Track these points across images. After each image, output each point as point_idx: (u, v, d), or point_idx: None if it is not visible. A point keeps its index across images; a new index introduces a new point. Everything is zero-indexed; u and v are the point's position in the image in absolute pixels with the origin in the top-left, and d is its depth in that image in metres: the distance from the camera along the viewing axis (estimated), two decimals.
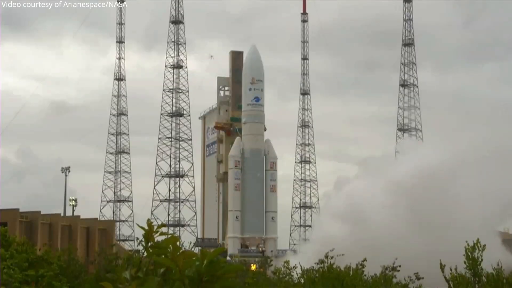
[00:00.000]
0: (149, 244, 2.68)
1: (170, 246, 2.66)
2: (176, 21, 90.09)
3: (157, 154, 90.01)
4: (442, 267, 16.10)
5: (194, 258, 2.74)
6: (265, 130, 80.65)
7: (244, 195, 78.54)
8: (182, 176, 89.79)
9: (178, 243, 2.71)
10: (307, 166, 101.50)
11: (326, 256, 27.02)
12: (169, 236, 2.74)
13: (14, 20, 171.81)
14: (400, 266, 26.83)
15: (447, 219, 43.80)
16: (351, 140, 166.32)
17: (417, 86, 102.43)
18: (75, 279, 31.00)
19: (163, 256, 2.66)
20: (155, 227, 2.71)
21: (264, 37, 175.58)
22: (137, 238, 33.71)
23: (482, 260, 16.45)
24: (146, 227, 2.71)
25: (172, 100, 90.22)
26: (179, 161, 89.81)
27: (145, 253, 2.70)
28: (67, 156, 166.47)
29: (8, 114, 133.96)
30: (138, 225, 2.98)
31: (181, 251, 2.69)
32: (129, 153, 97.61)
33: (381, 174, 51.19)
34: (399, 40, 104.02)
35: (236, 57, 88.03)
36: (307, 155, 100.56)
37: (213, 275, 2.76)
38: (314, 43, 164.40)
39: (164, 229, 2.84)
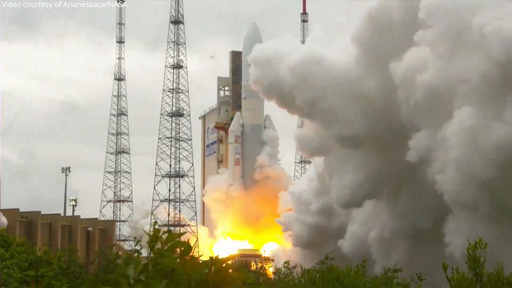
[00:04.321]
0: (155, 247, 2.63)
1: (178, 250, 2.61)
2: (176, 21, 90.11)
3: (157, 154, 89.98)
4: (444, 267, 16.03)
5: (202, 263, 2.69)
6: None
7: (244, 169, 79.51)
8: (182, 176, 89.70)
9: (187, 246, 2.65)
10: (307, 166, 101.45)
11: (327, 257, 26.99)
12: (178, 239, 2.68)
13: (15, 20, 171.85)
14: (401, 268, 26.78)
15: None
16: None
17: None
18: (75, 279, 30.96)
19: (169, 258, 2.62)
20: (161, 231, 2.66)
21: (264, 37, 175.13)
22: (134, 238, 33.52)
23: (485, 260, 16.32)
24: (151, 231, 2.66)
25: (172, 100, 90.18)
26: (179, 161, 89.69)
27: (151, 254, 2.64)
28: (69, 156, 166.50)
29: (9, 114, 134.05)
30: (144, 230, 2.93)
31: (190, 255, 2.64)
32: (129, 153, 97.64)
33: None
34: None
35: (236, 57, 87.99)
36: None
37: (221, 281, 2.72)
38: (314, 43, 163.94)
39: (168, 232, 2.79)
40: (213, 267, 2.66)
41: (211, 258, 2.82)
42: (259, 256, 67.75)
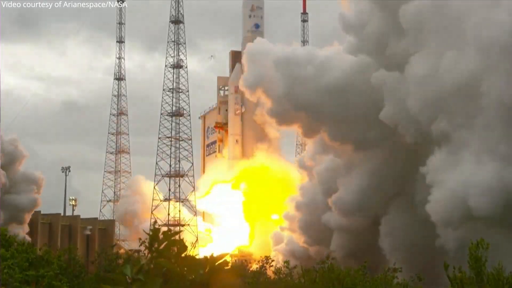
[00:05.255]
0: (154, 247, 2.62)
1: (175, 249, 2.60)
2: (176, 21, 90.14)
3: (157, 154, 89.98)
4: (446, 266, 15.98)
5: (197, 263, 2.68)
6: None
7: (244, 120, 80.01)
8: (182, 176, 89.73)
9: (182, 245, 2.65)
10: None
11: (327, 257, 27.02)
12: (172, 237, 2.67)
13: (15, 20, 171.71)
14: (401, 268, 26.73)
15: None
16: None
17: None
18: (75, 279, 30.97)
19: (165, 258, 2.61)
20: (161, 231, 2.66)
21: (264, 37, 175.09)
22: (140, 239, 33.49)
23: (486, 260, 16.23)
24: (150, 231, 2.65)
25: (172, 100, 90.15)
26: (179, 161, 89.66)
27: (149, 255, 2.63)
28: (69, 156, 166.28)
29: (9, 114, 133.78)
30: (144, 231, 2.92)
31: (183, 255, 2.63)
32: (129, 153, 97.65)
33: None
34: None
35: (236, 57, 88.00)
36: None
37: (214, 278, 2.71)
38: (314, 43, 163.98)
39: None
40: (207, 266, 2.66)
41: (205, 258, 2.81)
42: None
